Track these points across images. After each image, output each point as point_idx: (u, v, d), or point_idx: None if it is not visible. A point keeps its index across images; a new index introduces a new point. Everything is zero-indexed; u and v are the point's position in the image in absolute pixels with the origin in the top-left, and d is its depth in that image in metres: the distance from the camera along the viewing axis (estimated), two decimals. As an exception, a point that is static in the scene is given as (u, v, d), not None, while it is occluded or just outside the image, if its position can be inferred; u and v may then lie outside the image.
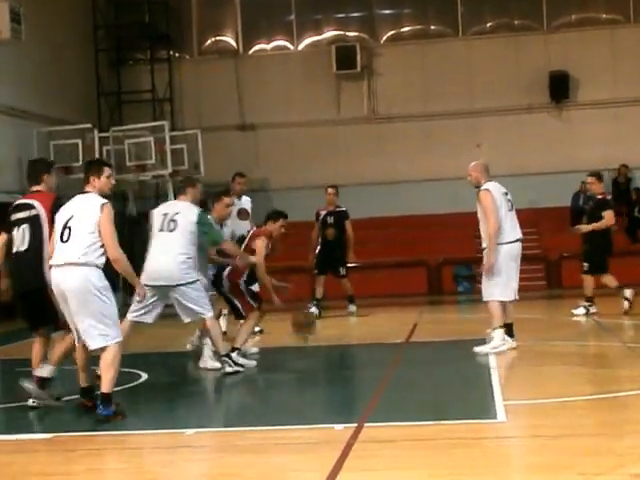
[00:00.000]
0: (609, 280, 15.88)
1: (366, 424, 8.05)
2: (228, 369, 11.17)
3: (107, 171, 9.19)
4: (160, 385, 11.22)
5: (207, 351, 11.80)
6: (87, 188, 9.09)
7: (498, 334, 12.09)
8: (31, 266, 9.40)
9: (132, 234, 24.83)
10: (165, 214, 11.15)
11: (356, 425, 7.95)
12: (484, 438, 7.59)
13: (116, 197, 25.95)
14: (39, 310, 9.49)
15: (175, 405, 9.80)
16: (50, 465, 7.50)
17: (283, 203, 25.67)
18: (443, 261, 23.13)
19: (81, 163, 22.86)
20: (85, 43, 26.09)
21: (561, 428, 7.81)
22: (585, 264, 15.95)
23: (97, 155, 22.97)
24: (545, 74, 25.14)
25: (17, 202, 9.79)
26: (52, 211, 9.28)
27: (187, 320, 11.14)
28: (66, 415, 9.40)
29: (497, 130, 25.19)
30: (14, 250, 9.56)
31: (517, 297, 12.23)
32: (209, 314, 11.11)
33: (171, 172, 23.58)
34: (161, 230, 11.06)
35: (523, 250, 12.32)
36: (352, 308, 17.98)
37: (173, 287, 10.86)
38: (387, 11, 26.73)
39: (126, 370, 10.51)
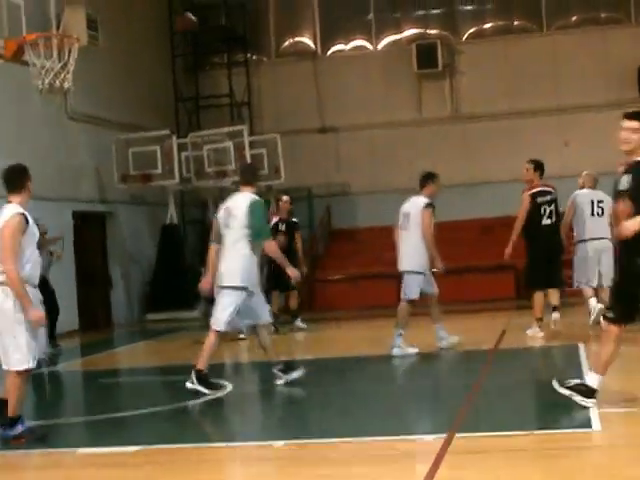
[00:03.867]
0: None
1: (457, 434, 7.79)
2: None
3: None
4: (246, 396, 11.13)
5: (441, 332, 13.41)
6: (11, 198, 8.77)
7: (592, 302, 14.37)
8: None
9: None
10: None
11: (446, 435, 7.69)
12: (579, 448, 7.33)
13: (195, 204, 25.85)
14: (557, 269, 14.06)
15: (262, 416, 9.81)
16: (137, 478, 7.42)
17: (364, 207, 25.51)
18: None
19: (160, 170, 22.70)
20: (162, 48, 26.00)
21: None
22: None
23: (176, 162, 22.80)
24: (634, 68, 24.43)
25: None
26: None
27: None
28: (153, 427, 9.30)
29: (585, 127, 24.51)
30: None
31: (594, 285, 14.54)
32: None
33: (251, 178, 23.27)
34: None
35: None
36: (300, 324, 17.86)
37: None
38: (469, 7, 26.26)
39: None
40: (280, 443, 8.02)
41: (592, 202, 14.73)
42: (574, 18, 25.69)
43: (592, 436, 7.64)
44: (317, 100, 26.14)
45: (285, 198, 18.19)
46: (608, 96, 24.62)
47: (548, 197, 14.02)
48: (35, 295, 8.62)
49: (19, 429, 8.57)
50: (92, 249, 21.62)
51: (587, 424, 7.89)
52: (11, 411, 8.57)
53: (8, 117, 18.75)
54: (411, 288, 13.24)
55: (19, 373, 8.51)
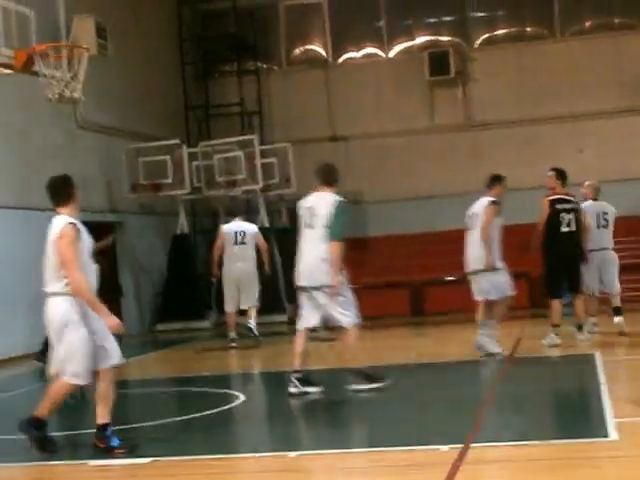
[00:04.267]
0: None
1: (473, 444, 7.70)
2: None
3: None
4: (259, 406, 11.13)
5: (483, 338, 13.22)
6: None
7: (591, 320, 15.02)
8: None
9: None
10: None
11: (462, 445, 7.59)
12: (596, 458, 7.23)
13: (206, 214, 25.72)
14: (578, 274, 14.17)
15: (275, 427, 9.66)
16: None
17: (377, 216, 25.32)
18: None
19: (170, 180, 22.59)
20: (171, 56, 25.94)
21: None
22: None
23: (187, 171, 22.68)
24: (648, 74, 24.24)
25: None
26: None
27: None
28: (164, 438, 9.18)
29: (599, 134, 24.36)
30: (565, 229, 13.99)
31: (597, 294, 15.13)
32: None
33: (262, 187, 23.15)
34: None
35: (625, 259, 15.76)
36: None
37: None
38: (481, 14, 26.12)
39: (223, 391, 10.91)
40: (293, 454, 7.93)
41: (597, 214, 15.09)
42: (587, 24, 25.54)
43: (609, 446, 7.53)
44: (328, 108, 25.97)
45: None
46: (622, 102, 24.46)
47: (568, 205, 14.18)
48: None
49: (29, 432, 8.51)
50: (102, 259, 21.45)
51: (604, 434, 7.82)
52: (39, 411, 8.54)
53: (18, 126, 18.69)
54: (499, 288, 13.20)
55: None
